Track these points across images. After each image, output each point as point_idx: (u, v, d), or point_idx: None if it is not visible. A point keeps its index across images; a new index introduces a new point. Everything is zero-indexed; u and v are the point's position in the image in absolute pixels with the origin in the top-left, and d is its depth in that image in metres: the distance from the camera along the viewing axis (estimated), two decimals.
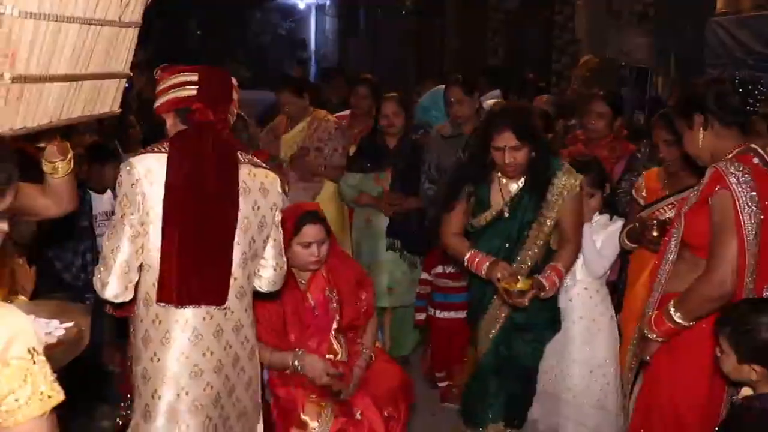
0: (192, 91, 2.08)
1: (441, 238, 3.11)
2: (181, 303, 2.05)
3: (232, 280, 2.11)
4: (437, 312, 3.98)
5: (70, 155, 2.01)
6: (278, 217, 2.24)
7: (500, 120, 2.86)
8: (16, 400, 1.12)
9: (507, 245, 2.96)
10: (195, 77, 2.09)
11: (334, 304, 2.90)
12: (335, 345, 2.91)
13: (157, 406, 2.10)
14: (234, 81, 2.20)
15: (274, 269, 2.26)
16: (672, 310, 2.27)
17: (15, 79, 1.43)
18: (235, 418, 2.23)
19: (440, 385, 4.02)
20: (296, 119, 4.47)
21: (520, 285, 2.80)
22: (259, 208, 2.14)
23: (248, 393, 2.25)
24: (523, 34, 9.90)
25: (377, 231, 4.21)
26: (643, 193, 3.12)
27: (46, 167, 2.00)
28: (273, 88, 5.19)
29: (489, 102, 4.67)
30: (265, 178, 2.18)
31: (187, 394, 2.10)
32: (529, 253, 2.94)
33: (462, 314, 3.91)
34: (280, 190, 2.23)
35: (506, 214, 2.93)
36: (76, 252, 3.59)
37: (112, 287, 2.02)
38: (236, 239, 2.09)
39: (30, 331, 1.16)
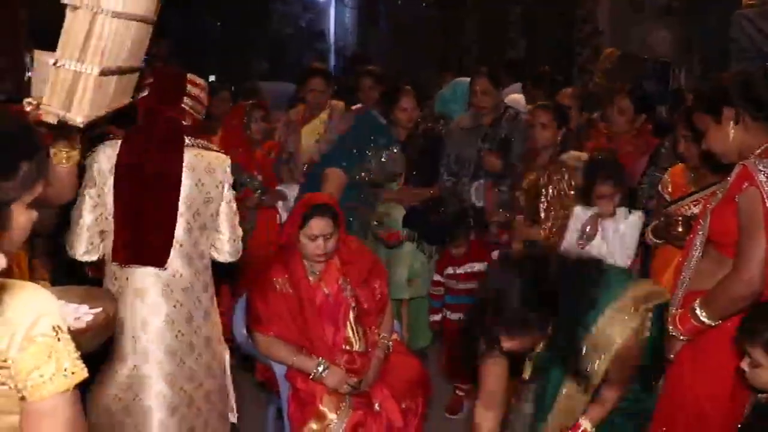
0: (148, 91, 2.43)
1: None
2: (126, 263, 2.38)
3: (177, 246, 2.41)
4: (449, 313, 3.96)
5: (79, 146, 2.11)
6: (228, 192, 2.52)
7: (489, 324, 2.12)
8: (41, 375, 1.15)
9: (533, 416, 2.38)
10: (152, 79, 2.43)
11: (348, 293, 2.91)
12: (352, 335, 2.91)
13: (117, 351, 2.41)
14: (192, 78, 2.50)
15: (229, 241, 2.54)
16: (698, 309, 2.22)
17: (102, 72, 1.65)
18: (204, 374, 2.49)
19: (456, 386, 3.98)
20: (317, 109, 4.44)
21: None
22: (203, 184, 2.44)
23: (209, 350, 2.51)
24: (544, 27, 9.82)
25: (394, 223, 4.19)
26: (669, 189, 3.08)
27: (57, 157, 2.05)
28: (293, 80, 5.18)
29: (512, 96, 4.64)
30: (214, 159, 2.49)
31: (138, 339, 2.41)
32: (563, 414, 2.29)
33: None
34: (228, 169, 2.51)
35: (525, 376, 2.35)
36: None
37: (79, 247, 2.38)
38: (180, 211, 2.40)
39: (55, 309, 1.21)
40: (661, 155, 3.55)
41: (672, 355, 2.37)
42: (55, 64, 1.59)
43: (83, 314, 1.43)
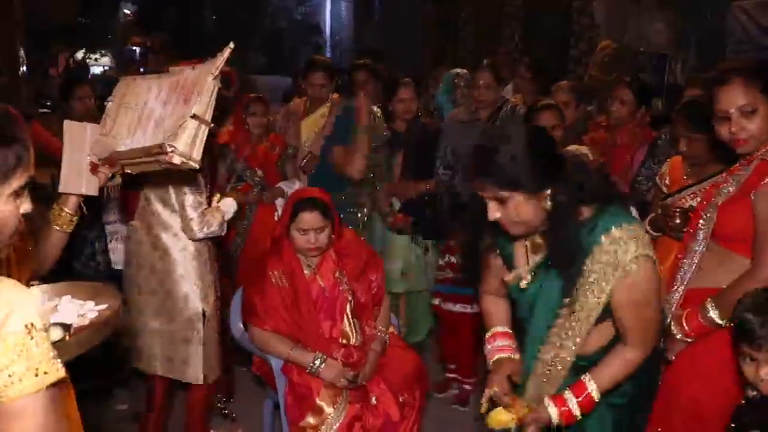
0: None
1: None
2: None
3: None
4: (441, 303, 3.95)
5: (83, 214, 2.07)
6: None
7: (475, 172, 1.86)
8: (10, 375, 1.10)
9: (531, 330, 2.05)
10: None
11: (345, 286, 2.90)
12: (348, 329, 2.90)
13: None
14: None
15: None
16: (710, 307, 2.13)
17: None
18: (158, 305, 2.89)
19: (449, 375, 3.98)
20: (317, 103, 4.41)
21: (509, 417, 1.97)
22: None
23: (164, 288, 2.90)
24: (540, 20, 9.80)
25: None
26: (667, 181, 3.05)
27: (60, 218, 1.99)
28: (288, 73, 5.15)
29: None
30: None
31: None
32: (558, 346, 1.94)
33: (467, 308, 3.84)
34: None
35: (523, 286, 2.03)
36: (85, 240, 3.60)
37: None
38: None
39: (29, 306, 1.14)
40: (659, 147, 3.54)
41: (672, 357, 2.28)
42: (193, 117, 1.88)
43: (88, 311, 1.41)
